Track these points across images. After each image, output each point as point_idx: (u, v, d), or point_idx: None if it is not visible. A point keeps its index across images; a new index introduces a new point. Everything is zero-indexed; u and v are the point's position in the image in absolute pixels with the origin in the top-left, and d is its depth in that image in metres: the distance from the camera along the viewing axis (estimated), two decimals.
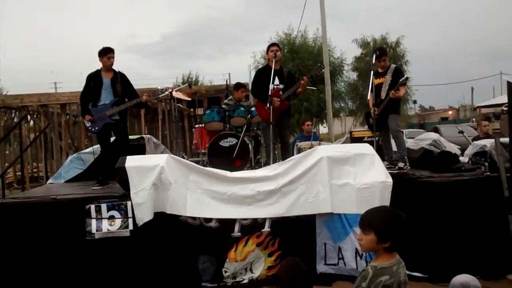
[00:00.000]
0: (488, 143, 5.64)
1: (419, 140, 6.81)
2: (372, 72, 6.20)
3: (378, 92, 6.10)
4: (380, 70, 6.24)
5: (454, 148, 6.24)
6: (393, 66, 6.23)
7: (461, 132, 8.74)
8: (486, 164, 5.37)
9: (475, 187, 4.99)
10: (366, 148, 5.17)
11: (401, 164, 5.83)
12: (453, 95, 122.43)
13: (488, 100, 35.09)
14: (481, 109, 34.52)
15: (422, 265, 4.72)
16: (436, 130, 17.00)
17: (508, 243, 4.77)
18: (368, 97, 6.37)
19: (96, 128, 5.89)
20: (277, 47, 6.39)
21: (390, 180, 4.75)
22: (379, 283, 2.09)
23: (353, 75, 27.69)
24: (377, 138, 6.32)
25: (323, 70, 6.64)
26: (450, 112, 52.40)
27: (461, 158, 6.06)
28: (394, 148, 6.30)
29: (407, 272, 4.63)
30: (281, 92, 6.12)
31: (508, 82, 4.99)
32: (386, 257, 2.15)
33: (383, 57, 6.19)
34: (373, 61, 6.23)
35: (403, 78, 5.96)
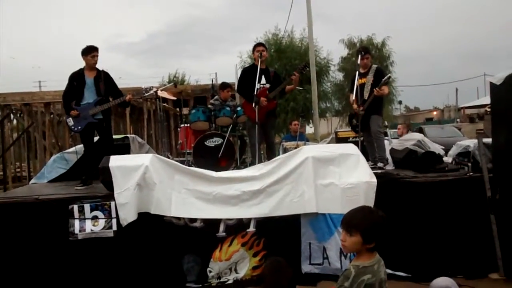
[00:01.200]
0: (471, 143, 5.70)
1: (403, 140, 6.86)
2: (357, 72, 6.23)
3: (361, 93, 6.15)
4: (361, 71, 6.27)
5: (438, 149, 6.31)
6: (374, 66, 6.28)
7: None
8: (469, 164, 5.43)
9: (458, 187, 5.03)
10: (351, 148, 5.19)
11: (380, 164, 5.91)
12: (438, 96, 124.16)
13: (472, 101, 35.61)
14: (465, 109, 34.98)
15: (405, 264, 4.76)
16: (420, 131, 17.16)
17: (490, 243, 4.82)
18: (352, 98, 6.40)
19: (79, 127, 5.82)
20: (263, 47, 6.40)
21: (374, 180, 4.78)
22: (361, 282, 2.10)
23: (339, 76, 27.88)
24: (361, 139, 6.35)
25: (307, 69, 6.63)
26: (435, 113, 52.97)
27: (445, 159, 6.13)
28: None
29: (391, 271, 4.69)
30: (268, 92, 6.12)
31: (491, 83, 5.05)
32: (367, 256, 2.16)
33: (366, 54, 6.25)
34: (358, 61, 6.27)
35: (386, 77, 6.02)
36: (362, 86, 6.18)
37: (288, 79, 6.14)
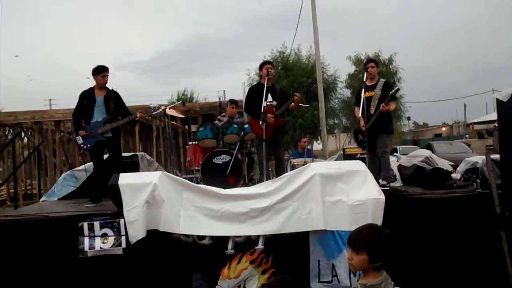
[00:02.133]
0: (479, 160, 5.69)
1: (411, 157, 6.85)
2: (363, 89, 6.12)
3: (367, 107, 6.02)
4: (368, 83, 6.14)
5: (446, 165, 6.29)
6: (382, 80, 6.16)
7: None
8: (478, 180, 5.42)
9: (467, 204, 5.02)
10: (359, 165, 5.19)
11: (382, 182, 5.75)
12: (447, 112, 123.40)
13: (481, 117, 35.40)
14: (474, 125, 34.77)
15: (415, 282, 4.70)
16: (429, 147, 17.09)
17: (500, 260, 4.78)
18: (358, 112, 6.23)
19: (88, 145, 5.90)
20: (270, 65, 6.46)
21: (382, 197, 4.77)
22: None
23: (347, 92, 27.89)
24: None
25: (314, 86, 6.65)
26: (443, 129, 52.69)
27: (453, 175, 6.10)
28: None
29: None
30: (274, 109, 6.16)
31: (497, 99, 5.06)
32: (374, 274, 2.16)
33: (370, 63, 6.17)
34: (365, 75, 6.21)
35: (394, 90, 5.86)
36: (368, 99, 6.04)
37: (291, 99, 6.17)
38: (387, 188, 5.44)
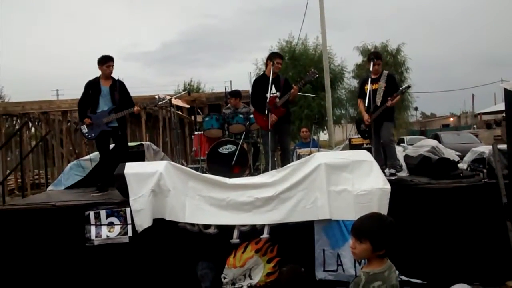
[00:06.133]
0: (486, 150, 5.65)
1: (417, 147, 6.82)
2: (369, 79, 6.12)
3: (373, 99, 6.03)
4: (373, 76, 6.12)
5: (452, 155, 6.26)
6: (385, 72, 6.18)
7: None
8: (485, 171, 5.38)
9: (473, 194, 4.99)
10: (364, 155, 5.18)
11: (391, 170, 5.80)
12: (455, 102, 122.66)
13: (489, 107, 35.12)
14: (482, 115, 34.52)
15: (421, 271, 4.72)
16: (436, 137, 17.00)
17: (507, 250, 4.77)
18: (361, 104, 6.26)
19: (93, 134, 5.92)
20: (281, 60, 6.40)
21: (388, 186, 4.76)
22: None
23: (354, 83, 27.73)
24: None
25: (317, 76, 6.58)
26: (451, 119, 52.32)
27: (460, 165, 6.07)
28: None
29: (406, 278, 4.66)
30: (277, 100, 6.14)
31: (505, 89, 5.01)
32: (378, 262, 2.16)
33: (378, 60, 6.16)
34: (371, 68, 6.19)
35: (405, 87, 5.86)
36: (374, 92, 6.06)
37: (289, 91, 6.12)
38: (393, 178, 5.42)
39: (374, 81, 6.10)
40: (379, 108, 5.98)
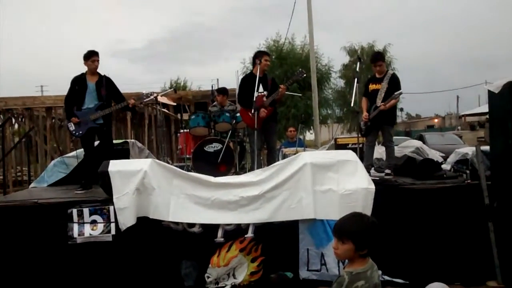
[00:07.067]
0: (470, 151, 5.72)
1: (402, 147, 6.87)
2: (356, 79, 6.13)
3: (374, 98, 6.05)
4: (377, 76, 6.14)
5: (436, 156, 6.33)
6: (390, 72, 6.17)
7: None
8: (468, 172, 5.44)
9: (456, 195, 5.05)
10: (350, 155, 5.19)
11: (387, 171, 5.87)
12: (440, 103, 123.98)
13: (473, 109, 35.59)
14: (466, 117, 34.93)
15: (403, 271, 4.77)
16: (421, 138, 17.15)
17: (488, 250, 4.83)
18: (363, 103, 6.28)
19: (80, 132, 5.85)
20: (269, 58, 6.41)
21: (372, 186, 4.79)
22: None
23: (341, 83, 27.88)
24: (361, 145, 6.33)
25: (304, 75, 6.59)
26: (436, 120, 52.91)
27: (443, 166, 6.13)
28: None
29: (389, 278, 4.69)
30: (264, 98, 6.14)
31: (489, 91, 5.07)
32: (360, 262, 2.16)
33: (378, 61, 6.15)
34: (357, 69, 6.23)
35: (397, 93, 5.86)
36: (375, 92, 6.06)
37: (277, 90, 6.12)
38: (378, 178, 5.46)
39: (378, 81, 6.11)
40: (374, 112, 5.99)
